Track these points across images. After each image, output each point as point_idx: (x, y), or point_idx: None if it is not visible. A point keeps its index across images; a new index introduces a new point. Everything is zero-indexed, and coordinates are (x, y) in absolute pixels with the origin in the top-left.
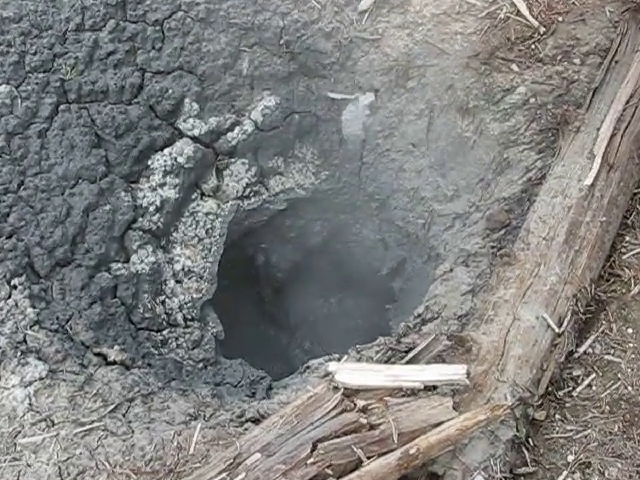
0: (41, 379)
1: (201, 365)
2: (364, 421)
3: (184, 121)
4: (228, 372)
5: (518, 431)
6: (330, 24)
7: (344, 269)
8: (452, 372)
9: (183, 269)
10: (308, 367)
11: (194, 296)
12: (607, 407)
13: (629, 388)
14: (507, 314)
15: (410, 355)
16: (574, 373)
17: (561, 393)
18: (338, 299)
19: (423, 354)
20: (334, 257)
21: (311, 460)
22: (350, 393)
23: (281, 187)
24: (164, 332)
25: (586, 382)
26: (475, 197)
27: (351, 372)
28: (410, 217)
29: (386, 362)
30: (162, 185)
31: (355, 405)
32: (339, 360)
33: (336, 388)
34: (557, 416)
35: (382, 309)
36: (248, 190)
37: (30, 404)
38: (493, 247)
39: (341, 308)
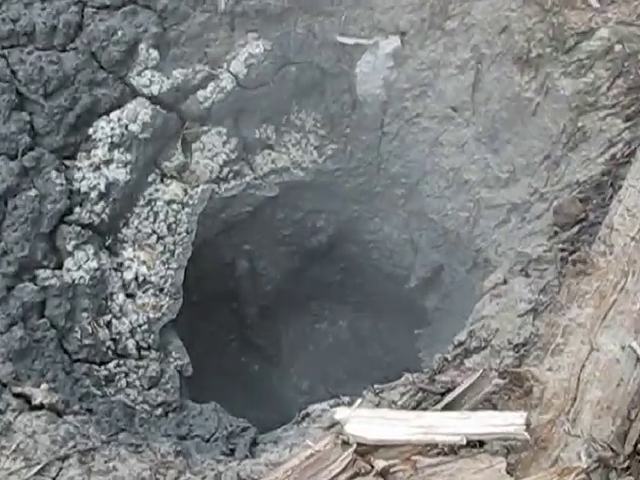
0: None
1: (160, 411)
2: None
3: (138, 74)
4: (197, 421)
5: None
6: None
7: (357, 280)
8: (506, 422)
9: (136, 279)
10: (307, 414)
11: (151, 316)
12: None
13: None
14: (582, 343)
15: (448, 399)
16: None
17: None
18: (349, 322)
19: (466, 397)
20: (344, 264)
21: None
22: (365, 450)
23: (271, 166)
24: (110, 365)
25: None
26: (538, 181)
27: (367, 422)
28: (449, 209)
29: (415, 408)
30: (108, 163)
31: (372, 467)
32: (350, 405)
33: (346, 443)
34: None
35: (410, 335)
36: (226, 170)
37: None
38: (562, 250)
39: (353, 334)
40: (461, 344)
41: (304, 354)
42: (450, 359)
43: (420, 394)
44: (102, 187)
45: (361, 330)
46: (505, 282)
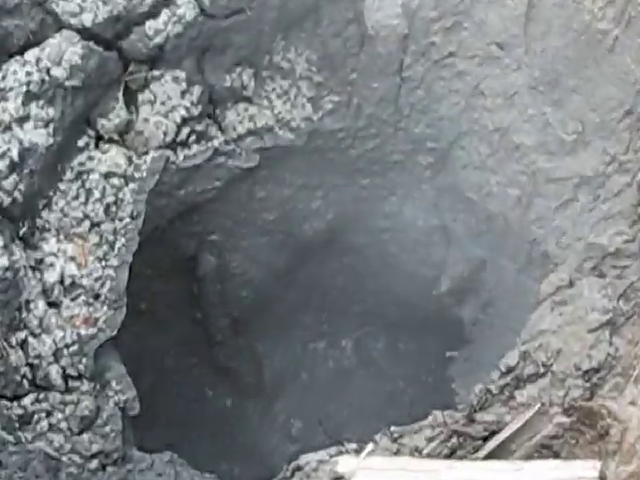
0: None
1: (96, 464)
2: None
3: None
4: (148, 477)
5: None
6: None
7: (368, 284)
8: (573, 475)
9: (62, 281)
10: (299, 468)
11: (83, 333)
12: None
13: None
14: None
15: (492, 444)
16: None
17: None
18: (355, 341)
19: (517, 442)
20: (348, 261)
21: None
22: None
23: (248, 126)
24: (25, 401)
25: None
26: (616, 145)
27: (381, 475)
28: (493, 184)
29: (448, 457)
30: (22, 121)
31: None
32: (357, 453)
33: None
34: None
35: (439, 359)
36: (185, 131)
37: None
38: None
39: (361, 358)
40: (511, 370)
41: (294, 385)
42: (495, 391)
43: (454, 439)
44: (14, 155)
45: (371, 352)
46: (571, 284)
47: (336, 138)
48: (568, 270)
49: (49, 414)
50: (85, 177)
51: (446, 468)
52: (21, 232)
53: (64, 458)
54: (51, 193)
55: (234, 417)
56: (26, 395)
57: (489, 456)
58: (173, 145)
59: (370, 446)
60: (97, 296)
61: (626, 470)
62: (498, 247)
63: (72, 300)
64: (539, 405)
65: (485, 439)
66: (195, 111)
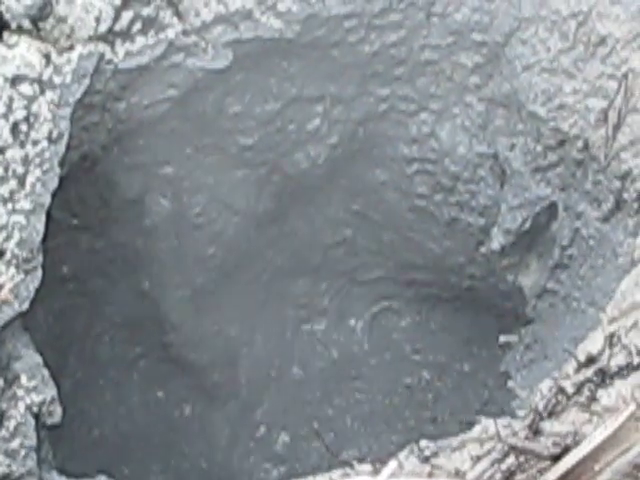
0: None
1: None
2: None
3: None
4: None
5: None
6: None
7: (385, 237)
8: None
9: None
10: None
11: None
12: None
13: None
14: None
15: (567, 464)
16: None
17: None
18: (367, 318)
19: (603, 459)
20: (359, 205)
21: None
22: None
23: (218, 9)
24: None
25: None
26: None
27: None
28: (567, 93)
29: None
30: None
31: None
32: (374, 476)
33: None
34: None
35: (489, 344)
36: (127, 16)
37: None
38: None
39: (376, 342)
40: (592, 360)
41: (280, 383)
42: (571, 390)
43: (512, 459)
44: None
45: (391, 333)
46: None
47: (343, 28)
48: None
49: None
50: None
51: None
52: None
53: None
54: None
55: (195, 430)
56: None
57: (562, 479)
58: (110, 37)
59: (393, 465)
60: (0, 253)
61: None
62: (574, 185)
63: None
64: (634, 407)
65: (556, 458)
66: None
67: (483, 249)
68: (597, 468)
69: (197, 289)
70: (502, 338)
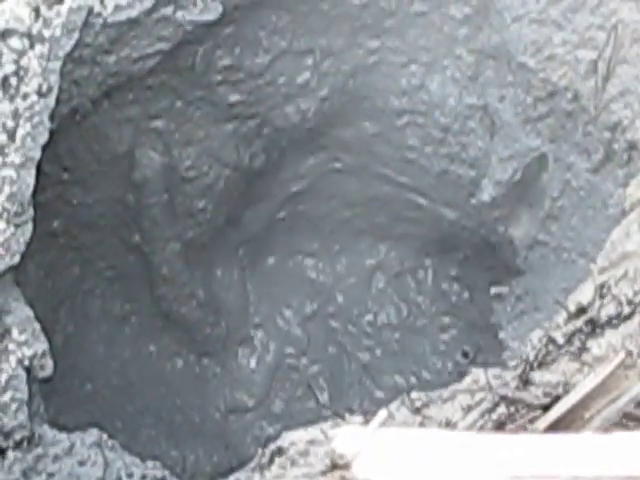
0: None
1: None
2: None
3: None
4: (65, 466)
5: None
6: None
7: (374, 190)
8: None
9: None
10: (280, 451)
11: None
12: None
13: None
14: None
15: (557, 411)
16: None
17: None
18: (358, 268)
19: (593, 407)
20: (349, 157)
21: None
22: None
23: None
24: None
25: None
26: None
27: (397, 454)
28: (557, 44)
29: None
30: None
31: None
32: (364, 425)
33: None
34: None
35: (481, 296)
36: None
37: None
38: None
39: (363, 291)
40: (583, 311)
41: (275, 334)
42: (561, 341)
43: (502, 409)
44: None
45: (377, 279)
46: None
47: None
48: None
49: None
50: None
51: (493, 445)
52: None
53: None
54: None
55: (188, 383)
56: None
57: (553, 427)
58: None
59: (383, 414)
60: None
61: None
62: (564, 136)
63: None
64: (623, 355)
65: (547, 408)
66: None
67: (474, 201)
68: (587, 416)
69: (188, 243)
70: (493, 290)
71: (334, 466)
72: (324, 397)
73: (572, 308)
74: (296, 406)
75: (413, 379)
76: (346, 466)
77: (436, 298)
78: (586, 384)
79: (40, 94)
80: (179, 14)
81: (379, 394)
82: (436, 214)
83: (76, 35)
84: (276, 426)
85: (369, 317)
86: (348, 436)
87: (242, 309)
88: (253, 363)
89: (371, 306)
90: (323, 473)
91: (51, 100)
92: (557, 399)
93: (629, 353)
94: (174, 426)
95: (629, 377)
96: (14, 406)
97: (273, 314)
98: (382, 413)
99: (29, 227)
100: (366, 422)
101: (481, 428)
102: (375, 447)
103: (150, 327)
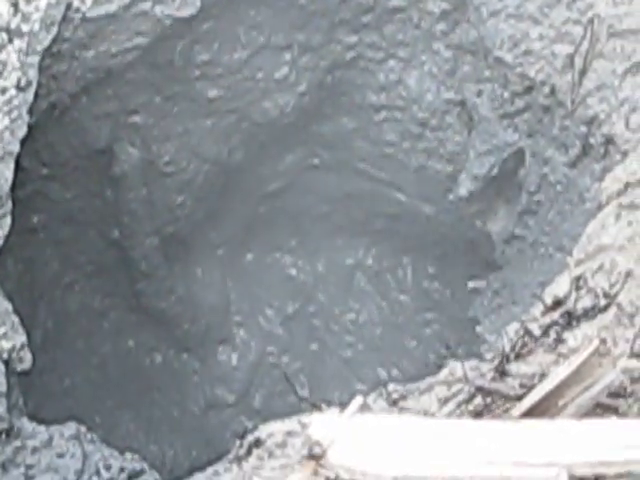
0: None
1: None
2: None
3: None
4: (44, 458)
5: None
6: None
7: (353, 185)
8: None
9: None
10: (258, 442)
11: None
12: None
13: None
14: None
15: (532, 398)
16: None
17: None
18: (337, 264)
19: (567, 394)
20: (328, 152)
21: None
22: None
23: None
24: None
25: None
26: None
27: (372, 441)
28: (534, 39)
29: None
30: None
31: None
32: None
33: None
34: None
35: (458, 290)
36: None
37: None
38: None
39: (343, 284)
40: (559, 303)
41: (256, 333)
42: (537, 333)
43: (479, 400)
44: None
45: (358, 278)
46: None
47: None
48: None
49: None
50: None
51: (467, 431)
52: None
53: None
54: None
55: (167, 378)
56: None
57: (529, 414)
58: None
59: (358, 401)
60: None
61: None
62: (541, 131)
63: None
64: (597, 343)
65: (522, 399)
66: None
67: (451, 196)
68: (561, 403)
69: (166, 238)
70: (471, 284)
71: (310, 454)
72: (304, 392)
73: (548, 301)
74: (277, 402)
75: (395, 371)
76: (322, 453)
77: (417, 296)
78: (560, 372)
79: (19, 88)
80: (157, 9)
81: (360, 386)
82: (414, 209)
83: (55, 30)
84: (256, 421)
85: (351, 315)
86: (324, 423)
87: (223, 307)
88: (234, 360)
89: (352, 305)
90: (309, 455)
91: (30, 94)
92: (531, 390)
93: (603, 341)
94: (153, 421)
95: (603, 365)
96: None
97: (254, 313)
98: (357, 400)
99: (7, 221)
100: (342, 410)
101: (454, 416)
102: (351, 434)
103: (129, 322)
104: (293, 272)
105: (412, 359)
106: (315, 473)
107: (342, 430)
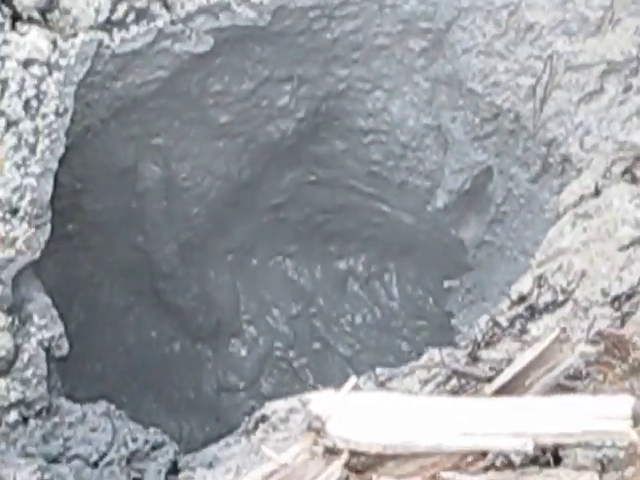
0: None
1: (15, 416)
2: None
3: None
4: (78, 432)
5: None
6: None
7: (344, 198)
8: (600, 414)
9: None
10: (264, 418)
11: None
12: None
13: None
14: None
15: (502, 379)
16: None
17: None
18: (330, 269)
19: (532, 377)
20: (322, 170)
21: None
22: (364, 464)
23: (200, 2)
24: None
25: None
26: None
27: (365, 415)
28: (501, 72)
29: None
30: None
31: None
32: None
33: (331, 452)
34: None
35: (436, 289)
36: (122, 8)
37: None
38: None
39: (337, 287)
40: (523, 299)
41: (264, 330)
42: (505, 324)
43: (454, 381)
44: None
45: (350, 283)
46: (597, 193)
47: (308, 18)
48: (594, 176)
49: None
50: (0, 65)
51: (447, 406)
52: None
53: None
54: None
55: (184, 364)
56: None
57: (498, 393)
58: (107, 26)
59: (352, 380)
60: (15, 211)
61: None
62: (507, 151)
63: None
64: (559, 331)
65: (492, 380)
66: None
67: (429, 207)
68: (527, 383)
69: (184, 243)
70: (446, 283)
71: (310, 427)
72: (309, 383)
73: (514, 296)
74: (283, 389)
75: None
76: (321, 426)
77: (400, 296)
78: (526, 356)
79: (57, 114)
80: (176, 46)
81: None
82: (397, 219)
83: (88, 64)
84: (261, 402)
85: (347, 318)
86: (322, 400)
87: (233, 305)
88: (243, 352)
89: (348, 309)
90: (308, 428)
91: (67, 119)
92: (501, 372)
93: (563, 330)
94: (172, 401)
95: (563, 351)
96: (35, 381)
97: (262, 312)
98: (352, 380)
99: (47, 228)
100: (338, 389)
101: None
102: (346, 409)
103: (151, 316)
104: (295, 276)
105: (400, 354)
106: (315, 443)
107: (338, 406)
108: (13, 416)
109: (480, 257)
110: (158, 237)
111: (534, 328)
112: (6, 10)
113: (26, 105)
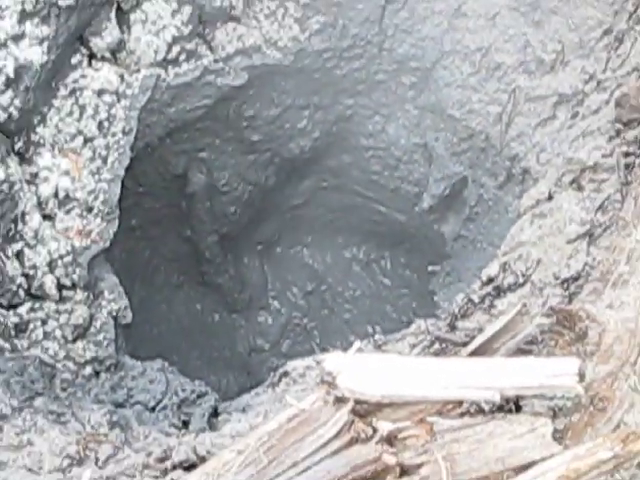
0: None
1: (90, 370)
2: (391, 460)
3: None
4: (139, 383)
5: None
6: None
7: (350, 200)
8: (552, 371)
9: (56, 194)
10: (286, 373)
11: (76, 244)
12: None
13: None
14: None
15: (475, 343)
16: None
17: None
18: (338, 256)
19: (499, 342)
20: (334, 179)
21: None
22: (366, 410)
23: (237, 45)
24: (21, 310)
25: None
26: (595, 64)
27: (368, 371)
28: (474, 102)
29: None
30: (17, 38)
31: (375, 431)
32: (345, 351)
33: (340, 401)
34: None
35: (422, 273)
36: (176, 50)
37: None
38: (627, 155)
39: (343, 272)
40: (491, 281)
41: (285, 303)
42: (477, 300)
43: (437, 345)
44: (10, 71)
45: (356, 266)
46: (550, 198)
47: (322, 58)
48: (547, 184)
49: (44, 322)
50: (78, 94)
51: (432, 365)
52: (17, 147)
53: (59, 365)
54: (46, 109)
55: (222, 330)
56: (22, 304)
57: (472, 354)
58: (164, 63)
59: (357, 344)
60: (90, 209)
61: (603, 369)
62: (479, 164)
63: (66, 213)
64: (521, 305)
65: (466, 345)
66: (185, 30)
67: (417, 208)
68: (495, 347)
69: (223, 236)
70: (430, 268)
71: (323, 380)
72: (317, 341)
73: (484, 279)
74: (298, 348)
75: (378, 328)
76: (332, 380)
77: (394, 278)
78: (494, 326)
79: (124, 133)
80: (218, 80)
81: (354, 338)
82: (391, 217)
83: (149, 93)
84: (283, 361)
85: (350, 292)
86: (333, 359)
87: (261, 285)
88: (270, 321)
89: (351, 285)
90: (322, 382)
91: (131, 137)
92: (474, 338)
93: (524, 305)
94: (212, 360)
95: (523, 321)
96: (105, 343)
97: (284, 290)
98: (356, 344)
99: (116, 222)
100: (346, 350)
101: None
102: (352, 366)
103: (197, 292)
104: (310, 261)
105: (391, 321)
106: (327, 393)
107: (346, 364)
108: (88, 370)
109: (457, 248)
110: (202, 230)
111: (500, 304)
112: (84, 50)
113: (99, 126)
